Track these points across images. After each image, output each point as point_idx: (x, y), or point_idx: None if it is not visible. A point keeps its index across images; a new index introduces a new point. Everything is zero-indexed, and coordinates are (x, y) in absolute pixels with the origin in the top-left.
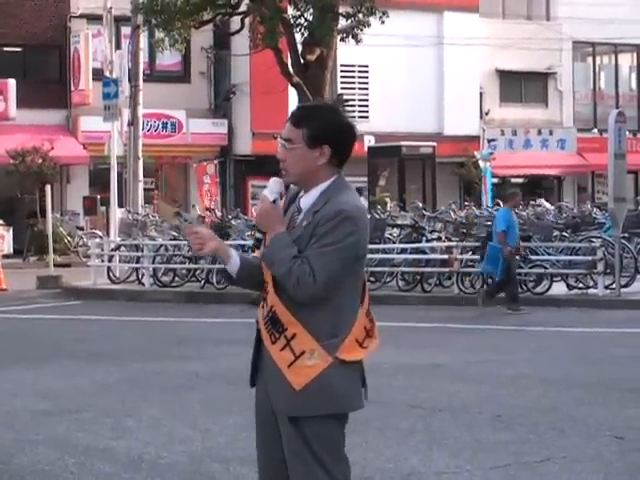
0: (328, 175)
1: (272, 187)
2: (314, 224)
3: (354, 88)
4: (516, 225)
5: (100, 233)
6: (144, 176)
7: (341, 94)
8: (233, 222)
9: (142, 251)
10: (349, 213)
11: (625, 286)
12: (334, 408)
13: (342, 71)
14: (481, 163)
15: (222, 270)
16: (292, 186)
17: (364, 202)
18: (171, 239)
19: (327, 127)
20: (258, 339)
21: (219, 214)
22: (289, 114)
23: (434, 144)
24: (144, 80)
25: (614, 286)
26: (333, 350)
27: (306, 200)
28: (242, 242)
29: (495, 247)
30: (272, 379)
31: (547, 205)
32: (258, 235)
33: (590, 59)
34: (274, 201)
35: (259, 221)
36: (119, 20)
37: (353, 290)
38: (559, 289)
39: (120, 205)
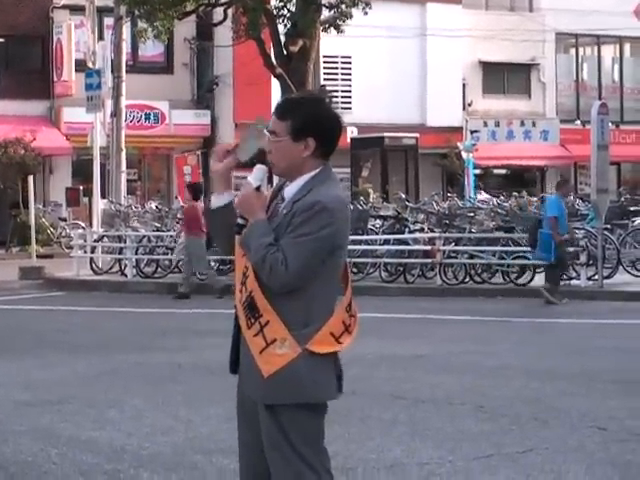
0: (314, 167)
1: (257, 174)
2: (292, 213)
3: (337, 79)
4: (565, 213)
5: (83, 224)
6: (127, 167)
7: (324, 85)
8: None
9: (125, 242)
10: (326, 205)
11: (607, 277)
12: (302, 398)
13: (325, 62)
14: (464, 154)
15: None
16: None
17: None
18: (154, 230)
19: (311, 119)
20: (237, 324)
21: (201, 205)
22: (274, 106)
23: (417, 135)
24: (127, 71)
25: (597, 277)
26: (304, 341)
27: (289, 190)
28: None
29: (547, 233)
30: (246, 364)
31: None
32: (240, 221)
33: (573, 50)
34: (257, 188)
35: (240, 207)
36: (102, 11)
37: (329, 281)
38: (542, 280)
39: (103, 196)
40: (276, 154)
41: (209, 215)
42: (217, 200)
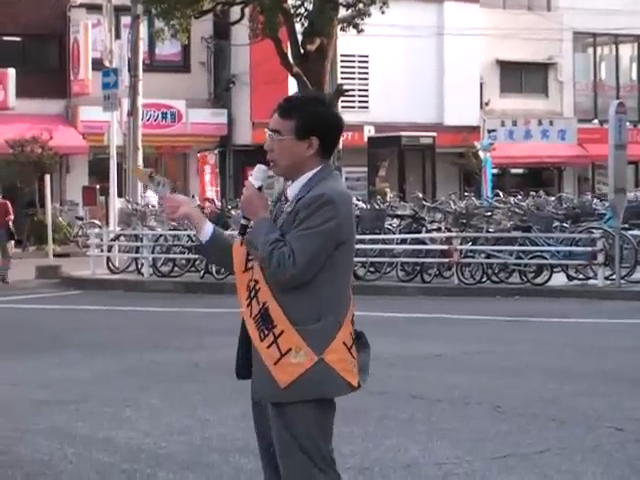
0: (315, 165)
1: (258, 174)
2: (296, 210)
3: (354, 78)
4: None
5: (99, 223)
6: (144, 166)
7: (341, 84)
8: (233, 212)
9: (141, 241)
10: (329, 198)
11: (625, 277)
12: (314, 394)
13: (342, 61)
14: (481, 153)
15: (196, 243)
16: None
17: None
18: (170, 229)
19: (315, 118)
20: (244, 336)
21: (219, 204)
22: (276, 105)
23: (434, 134)
24: (144, 70)
25: (614, 277)
26: (320, 350)
27: (292, 189)
28: None
29: None
30: (258, 372)
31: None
32: (243, 221)
33: (591, 50)
34: (259, 188)
35: (244, 207)
36: (119, 10)
37: (338, 275)
38: (559, 280)
39: (119, 195)
40: (279, 152)
41: (204, 253)
42: (203, 236)
